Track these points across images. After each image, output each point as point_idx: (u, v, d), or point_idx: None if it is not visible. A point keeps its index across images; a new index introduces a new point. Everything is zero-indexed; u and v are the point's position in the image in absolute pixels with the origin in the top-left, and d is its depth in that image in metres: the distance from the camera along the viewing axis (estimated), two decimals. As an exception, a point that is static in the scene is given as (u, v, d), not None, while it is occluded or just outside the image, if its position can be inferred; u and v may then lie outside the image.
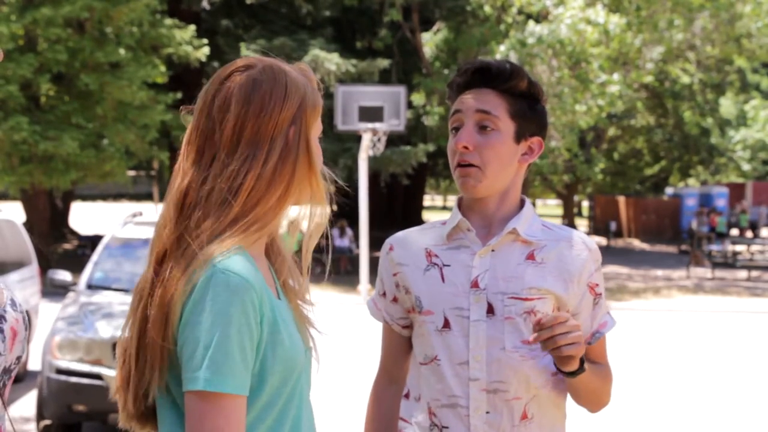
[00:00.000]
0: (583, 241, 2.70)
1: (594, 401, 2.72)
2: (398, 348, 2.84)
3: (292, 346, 1.96)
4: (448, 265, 2.65)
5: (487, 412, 2.58)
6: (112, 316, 8.45)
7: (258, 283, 1.90)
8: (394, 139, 26.61)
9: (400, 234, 2.82)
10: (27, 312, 11.44)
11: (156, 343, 1.89)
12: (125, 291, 9.19)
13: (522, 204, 2.72)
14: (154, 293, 1.92)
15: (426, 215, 50.34)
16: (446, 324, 2.62)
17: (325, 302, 19.34)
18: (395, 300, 2.77)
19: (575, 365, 2.51)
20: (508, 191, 2.68)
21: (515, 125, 2.61)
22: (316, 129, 2.09)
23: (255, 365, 1.90)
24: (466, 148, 2.59)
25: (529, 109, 2.64)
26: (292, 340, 1.97)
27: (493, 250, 2.63)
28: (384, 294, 2.80)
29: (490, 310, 2.59)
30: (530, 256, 2.63)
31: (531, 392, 2.61)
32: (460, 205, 2.73)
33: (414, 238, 2.77)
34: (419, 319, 2.68)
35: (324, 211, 2.13)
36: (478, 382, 2.58)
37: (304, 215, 2.15)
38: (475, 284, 2.61)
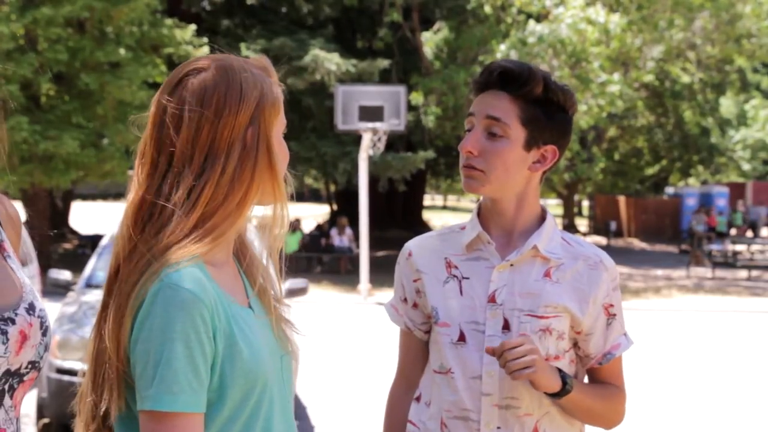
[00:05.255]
0: (602, 261, 2.67)
1: (594, 420, 2.70)
2: (418, 354, 2.79)
3: (254, 357, 1.90)
4: (467, 278, 2.63)
5: (498, 428, 2.57)
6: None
7: (208, 296, 1.84)
8: (394, 142, 26.61)
9: (418, 240, 2.79)
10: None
11: (112, 362, 1.85)
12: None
13: (543, 215, 2.70)
14: (108, 308, 1.88)
15: (426, 215, 50.30)
16: (461, 337, 2.60)
17: (325, 302, 19.35)
18: (416, 306, 2.74)
19: (554, 386, 2.51)
20: (524, 198, 2.65)
21: (526, 132, 2.57)
22: (278, 126, 2.02)
23: (213, 380, 1.85)
24: (470, 153, 2.57)
25: (544, 116, 2.59)
26: (253, 350, 1.90)
27: (512, 265, 2.61)
28: (405, 300, 2.76)
29: (506, 326, 2.57)
30: (546, 274, 2.62)
31: (543, 409, 2.60)
32: (479, 212, 2.70)
33: (434, 245, 2.74)
34: (435, 328, 2.66)
35: (287, 211, 2.04)
36: (490, 397, 2.57)
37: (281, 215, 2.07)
38: (492, 299, 2.59)
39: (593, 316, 2.64)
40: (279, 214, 2.04)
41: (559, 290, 2.60)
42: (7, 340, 1.85)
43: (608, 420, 2.72)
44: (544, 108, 2.59)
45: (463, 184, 2.62)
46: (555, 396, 2.54)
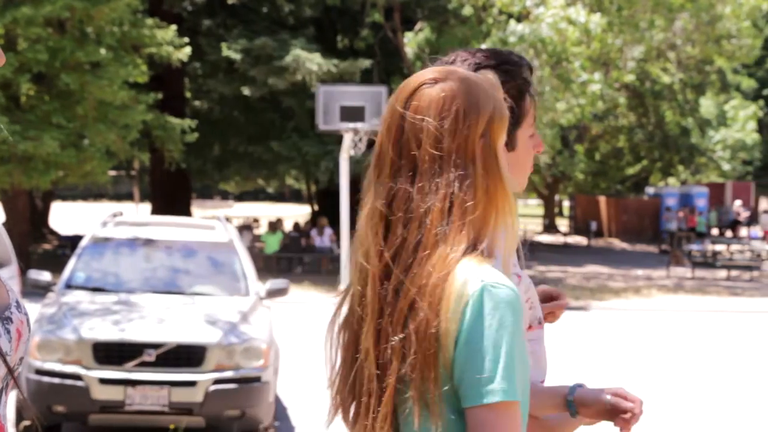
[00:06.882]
0: None
1: None
2: None
3: (526, 350, 2.00)
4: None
5: None
6: (92, 316, 8.43)
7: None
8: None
9: None
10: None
11: (428, 379, 1.90)
12: (105, 291, 9.17)
13: None
14: (386, 318, 1.95)
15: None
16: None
17: (306, 302, 19.33)
18: None
19: None
20: None
21: None
22: (503, 139, 2.07)
23: None
24: None
25: None
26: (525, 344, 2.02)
27: None
28: None
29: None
30: None
31: None
32: None
33: None
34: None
35: (518, 224, 2.08)
36: None
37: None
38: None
39: None
40: (512, 227, 2.06)
41: None
42: (11, 338, 1.88)
43: None
44: None
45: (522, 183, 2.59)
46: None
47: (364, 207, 2.04)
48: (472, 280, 1.90)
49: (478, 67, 2.44)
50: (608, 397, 2.36)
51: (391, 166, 2.01)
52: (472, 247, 1.95)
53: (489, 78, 2.12)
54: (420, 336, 1.89)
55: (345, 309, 2.08)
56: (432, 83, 2.03)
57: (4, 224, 21.54)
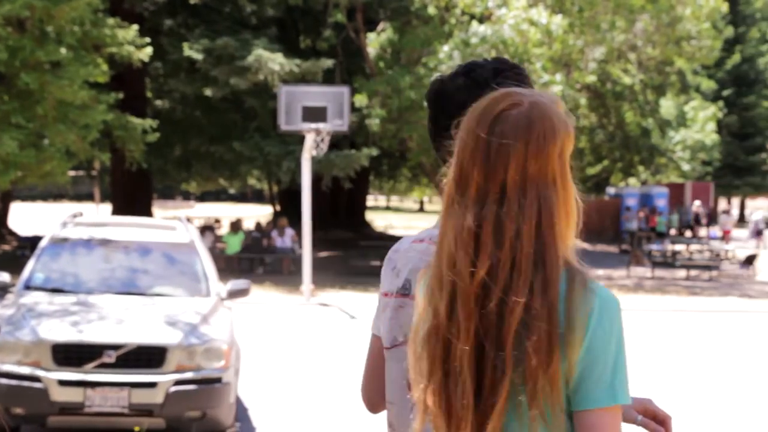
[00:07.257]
0: None
1: None
2: None
3: None
4: None
5: None
6: (51, 317, 8.37)
7: None
8: (338, 142, 26.60)
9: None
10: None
11: (551, 395, 1.97)
12: (64, 292, 9.11)
13: None
14: (489, 339, 1.99)
15: (369, 216, 50.35)
16: None
17: (268, 303, 19.30)
18: None
19: None
20: None
21: None
22: (569, 152, 2.19)
23: None
24: None
25: None
26: None
27: None
28: None
29: None
30: None
31: None
32: None
33: None
34: None
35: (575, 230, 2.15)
36: None
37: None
38: None
39: None
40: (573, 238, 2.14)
41: None
42: None
43: None
44: None
45: None
46: None
47: (447, 224, 2.09)
48: (586, 293, 2.02)
49: (497, 72, 2.60)
50: (639, 417, 2.54)
51: (477, 189, 2.07)
52: (567, 262, 2.06)
53: (554, 97, 2.20)
54: (543, 355, 1.96)
55: (425, 321, 2.10)
56: (511, 108, 2.10)
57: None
